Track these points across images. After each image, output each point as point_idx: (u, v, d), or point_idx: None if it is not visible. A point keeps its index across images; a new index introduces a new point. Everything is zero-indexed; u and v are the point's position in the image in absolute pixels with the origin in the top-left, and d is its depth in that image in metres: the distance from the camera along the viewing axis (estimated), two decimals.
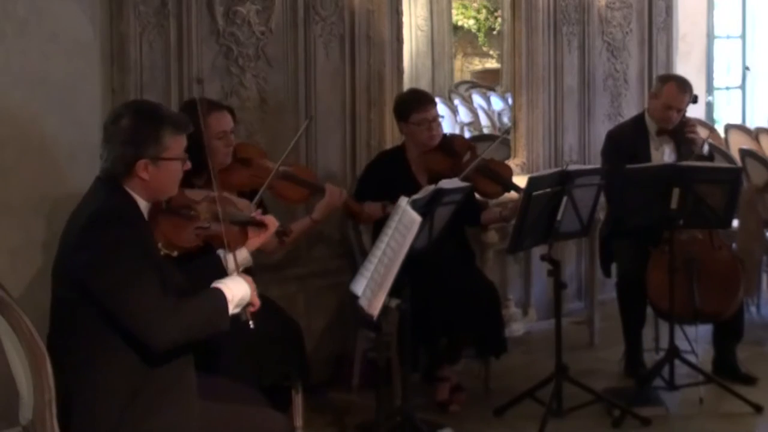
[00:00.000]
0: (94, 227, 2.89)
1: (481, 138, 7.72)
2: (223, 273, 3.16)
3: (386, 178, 4.83)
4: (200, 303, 2.93)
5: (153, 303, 2.81)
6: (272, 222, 3.46)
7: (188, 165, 3.09)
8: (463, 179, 4.55)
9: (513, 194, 4.93)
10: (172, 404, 2.94)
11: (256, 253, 3.50)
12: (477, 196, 4.98)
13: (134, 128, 2.96)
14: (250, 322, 3.02)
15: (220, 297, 2.94)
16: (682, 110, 5.26)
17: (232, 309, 2.96)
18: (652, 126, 5.37)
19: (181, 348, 2.92)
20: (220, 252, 3.24)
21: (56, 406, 2.86)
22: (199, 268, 3.23)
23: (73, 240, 2.92)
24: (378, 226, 4.45)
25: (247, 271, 3.24)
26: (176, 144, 3.01)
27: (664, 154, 5.34)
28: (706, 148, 5.30)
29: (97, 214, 2.92)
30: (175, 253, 3.16)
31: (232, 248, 3.18)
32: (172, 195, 3.11)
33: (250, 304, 3.03)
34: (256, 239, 3.42)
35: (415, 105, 4.90)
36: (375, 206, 4.74)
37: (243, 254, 3.33)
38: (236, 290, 2.98)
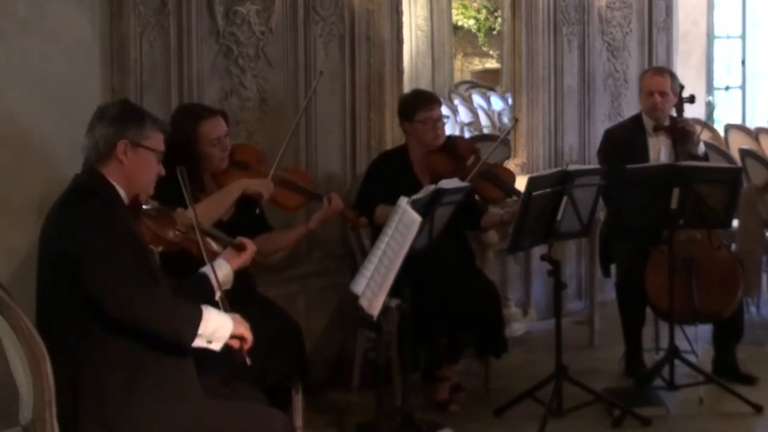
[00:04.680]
0: (68, 205, 2.98)
1: (481, 138, 7.72)
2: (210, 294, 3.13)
3: (389, 178, 4.80)
4: (178, 305, 2.94)
5: (129, 275, 2.83)
6: (250, 244, 3.36)
7: (162, 171, 3.13)
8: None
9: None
10: (172, 394, 2.95)
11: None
12: (479, 199, 4.97)
13: (120, 113, 3.08)
14: (247, 359, 3.04)
15: (197, 314, 2.94)
16: (665, 93, 5.28)
17: (202, 332, 2.92)
18: (648, 123, 5.38)
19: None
20: (206, 269, 3.17)
21: (56, 403, 2.87)
22: (188, 287, 3.18)
23: (50, 223, 2.99)
24: (378, 226, 4.44)
25: (237, 281, 3.27)
26: (156, 137, 3.11)
27: (661, 152, 5.35)
28: (702, 148, 5.31)
29: (71, 192, 3.02)
30: (159, 248, 3.18)
31: (210, 257, 3.16)
32: (148, 194, 3.14)
33: (243, 340, 3.02)
34: (237, 260, 3.32)
35: (420, 104, 4.89)
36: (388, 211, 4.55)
37: (225, 270, 3.26)
38: (215, 321, 2.96)
